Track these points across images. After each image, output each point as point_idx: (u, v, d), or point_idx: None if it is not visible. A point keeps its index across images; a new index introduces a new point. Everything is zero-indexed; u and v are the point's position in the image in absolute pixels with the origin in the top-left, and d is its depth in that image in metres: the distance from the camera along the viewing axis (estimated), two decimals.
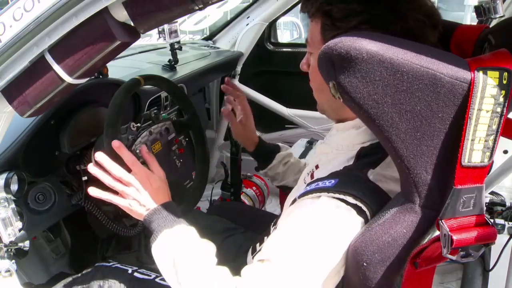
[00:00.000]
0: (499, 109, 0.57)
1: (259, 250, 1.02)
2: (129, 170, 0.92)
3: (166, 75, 1.79)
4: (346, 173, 0.77)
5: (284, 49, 2.66)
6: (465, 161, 0.58)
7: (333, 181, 0.74)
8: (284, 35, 4.35)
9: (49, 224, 1.27)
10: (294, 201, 0.81)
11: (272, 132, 2.58)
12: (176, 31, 1.86)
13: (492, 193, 1.61)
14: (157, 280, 1.11)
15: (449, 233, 0.59)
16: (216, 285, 0.76)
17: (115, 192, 0.93)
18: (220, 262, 0.82)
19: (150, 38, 3.51)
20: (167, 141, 1.27)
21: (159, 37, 1.84)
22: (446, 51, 0.64)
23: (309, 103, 0.94)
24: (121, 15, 0.73)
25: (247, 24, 2.34)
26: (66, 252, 1.51)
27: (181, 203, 1.16)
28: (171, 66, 1.89)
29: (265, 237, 1.05)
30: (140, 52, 2.14)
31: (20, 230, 1.07)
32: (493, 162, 0.70)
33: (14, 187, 1.04)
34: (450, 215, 0.61)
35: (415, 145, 0.61)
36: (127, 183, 0.91)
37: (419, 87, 0.58)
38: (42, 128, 1.15)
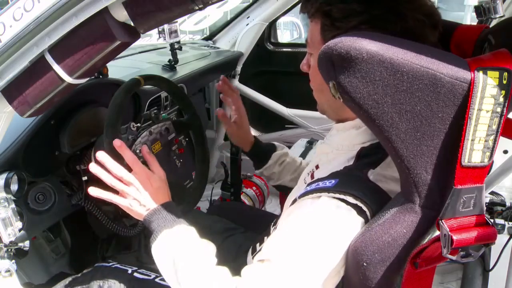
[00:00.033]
0: (499, 109, 0.57)
1: (259, 250, 1.02)
2: (129, 170, 0.92)
3: (166, 75, 1.79)
4: (347, 173, 0.77)
5: (284, 49, 2.66)
6: (465, 161, 0.58)
7: (333, 181, 0.74)
8: (284, 35, 4.34)
9: (49, 224, 1.27)
10: (294, 201, 0.81)
11: (272, 132, 2.58)
12: (176, 31, 1.86)
13: (492, 193, 1.61)
14: (157, 280, 1.11)
15: (449, 233, 0.59)
16: (216, 285, 0.76)
17: (115, 192, 0.93)
18: (220, 262, 0.82)
19: (150, 38, 3.51)
20: (167, 141, 1.27)
21: (159, 37, 1.84)
22: (446, 51, 0.64)
23: (309, 103, 0.94)
24: (121, 15, 0.73)
25: (247, 24, 2.34)
26: (66, 252, 1.51)
27: (181, 203, 1.16)
28: (171, 66, 1.89)
29: (265, 237, 1.05)
30: (140, 52, 2.14)
31: (20, 230, 1.07)
32: (493, 162, 0.70)
33: (14, 187, 1.04)
34: (450, 215, 0.61)
35: (415, 145, 0.61)
36: (127, 183, 0.91)
37: (419, 87, 0.58)
38: (42, 128, 1.15)
